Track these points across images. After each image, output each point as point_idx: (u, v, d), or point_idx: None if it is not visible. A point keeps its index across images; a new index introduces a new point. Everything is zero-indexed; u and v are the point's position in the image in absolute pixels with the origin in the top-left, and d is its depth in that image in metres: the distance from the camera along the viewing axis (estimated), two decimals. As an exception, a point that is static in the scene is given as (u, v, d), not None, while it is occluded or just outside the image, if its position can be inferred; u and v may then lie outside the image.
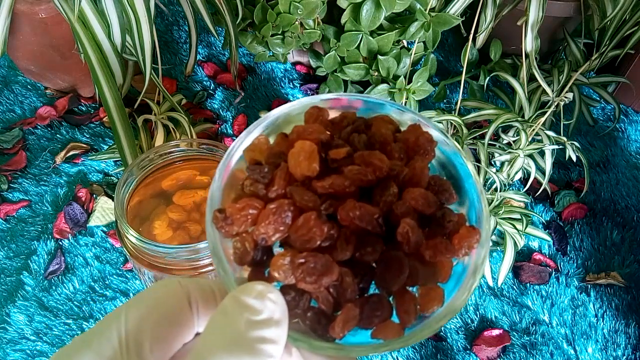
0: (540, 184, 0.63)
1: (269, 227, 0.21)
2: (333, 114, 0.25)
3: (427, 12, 0.60)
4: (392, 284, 0.21)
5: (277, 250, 0.22)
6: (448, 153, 0.25)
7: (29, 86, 0.72)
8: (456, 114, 0.61)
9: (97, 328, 0.20)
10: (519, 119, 0.61)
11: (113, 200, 0.59)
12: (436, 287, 0.22)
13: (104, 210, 0.61)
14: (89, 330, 0.21)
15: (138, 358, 0.20)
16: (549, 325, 0.57)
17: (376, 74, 0.64)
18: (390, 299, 0.22)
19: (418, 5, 0.60)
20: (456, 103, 0.64)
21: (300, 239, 0.21)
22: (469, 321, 0.57)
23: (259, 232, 0.21)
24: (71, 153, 0.65)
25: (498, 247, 0.61)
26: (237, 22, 0.65)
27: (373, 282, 0.22)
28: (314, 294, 0.21)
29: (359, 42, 0.62)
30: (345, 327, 0.21)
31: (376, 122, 0.25)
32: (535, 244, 0.63)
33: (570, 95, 0.61)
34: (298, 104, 0.25)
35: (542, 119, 0.59)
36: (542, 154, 0.61)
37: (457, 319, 0.57)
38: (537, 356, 0.55)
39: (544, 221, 0.65)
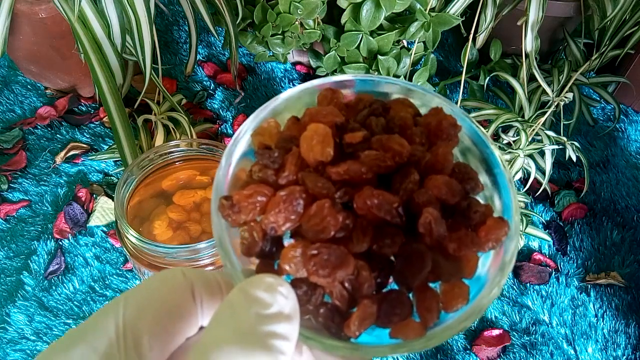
0: (540, 184, 0.63)
1: (279, 216, 0.19)
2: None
3: (427, 12, 0.60)
4: (412, 279, 0.19)
5: (287, 241, 0.21)
6: (474, 140, 0.23)
7: (29, 86, 0.72)
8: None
9: (93, 320, 0.19)
10: (519, 119, 0.61)
11: (113, 200, 0.59)
12: (461, 283, 0.20)
13: (104, 210, 0.61)
14: (85, 322, 0.19)
15: (136, 353, 0.18)
16: (549, 325, 0.57)
17: (376, 74, 0.64)
18: (410, 295, 0.20)
19: (418, 5, 0.60)
20: (456, 103, 0.64)
21: (312, 229, 0.19)
22: (469, 321, 0.57)
23: (268, 221, 0.20)
24: (71, 153, 0.65)
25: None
26: (237, 22, 0.65)
27: (391, 278, 0.20)
28: (328, 289, 0.20)
29: (359, 42, 0.62)
30: (362, 326, 0.19)
31: (395, 105, 0.23)
32: (535, 244, 0.63)
33: (570, 95, 0.61)
34: (309, 85, 0.24)
35: (542, 119, 0.59)
36: (542, 154, 0.61)
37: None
38: (537, 356, 0.55)
39: (544, 221, 0.65)
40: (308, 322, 0.20)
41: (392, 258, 0.20)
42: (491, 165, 0.23)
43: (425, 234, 0.19)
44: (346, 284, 0.19)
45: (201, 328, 0.21)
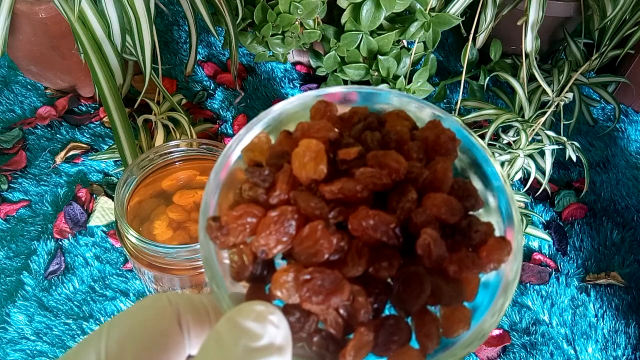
0: (540, 184, 0.63)
1: (269, 238, 0.18)
2: (341, 110, 0.22)
3: (427, 12, 0.60)
4: (411, 304, 0.18)
5: (279, 263, 0.20)
6: (473, 153, 0.22)
7: (29, 86, 0.72)
8: (456, 114, 0.61)
9: (74, 352, 0.18)
10: (519, 119, 0.61)
11: (113, 200, 0.59)
12: (461, 307, 0.19)
13: (104, 210, 0.61)
14: (65, 355, 0.19)
15: None
16: (549, 325, 0.57)
17: (376, 74, 0.64)
18: (409, 320, 0.19)
19: (418, 5, 0.60)
20: (456, 103, 0.64)
21: (305, 252, 0.18)
22: (469, 321, 0.57)
23: (259, 244, 0.19)
24: (71, 153, 0.65)
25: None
26: (237, 22, 0.65)
27: (389, 301, 0.19)
28: (322, 316, 0.19)
29: (359, 42, 0.62)
30: (358, 355, 0.18)
31: (390, 118, 0.22)
32: (535, 244, 0.63)
33: (570, 95, 0.61)
34: (303, 98, 0.22)
35: (542, 119, 0.59)
36: (542, 154, 0.61)
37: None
38: (537, 356, 0.55)
39: (544, 221, 0.65)
40: (301, 350, 0.19)
41: (390, 282, 0.19)
42: (491, 180, 0.22)
43: (424, 255, 0.18)
44: (341, 311, 0.19)
45: (189, 357, 0.20)
